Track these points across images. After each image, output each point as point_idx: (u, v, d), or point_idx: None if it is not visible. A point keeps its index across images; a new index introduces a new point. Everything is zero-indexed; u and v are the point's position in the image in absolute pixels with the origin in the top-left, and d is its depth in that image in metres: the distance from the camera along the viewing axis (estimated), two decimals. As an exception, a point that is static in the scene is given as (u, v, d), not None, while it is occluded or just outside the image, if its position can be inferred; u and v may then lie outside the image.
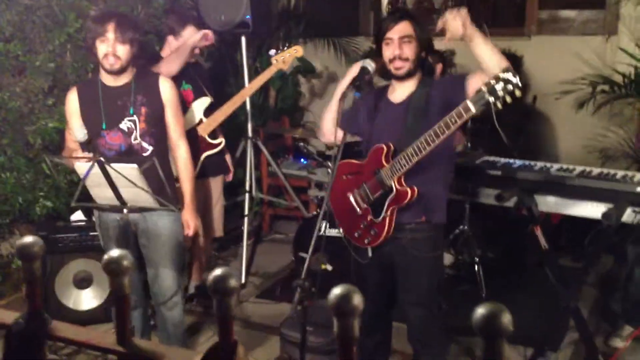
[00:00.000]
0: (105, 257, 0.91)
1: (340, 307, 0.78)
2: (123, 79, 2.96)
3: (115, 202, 2.70)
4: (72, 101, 2.98)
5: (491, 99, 2.27)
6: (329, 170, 4.25)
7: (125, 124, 2.94)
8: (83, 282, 3.94)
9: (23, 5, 3.92)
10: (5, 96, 3.93)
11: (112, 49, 2.86)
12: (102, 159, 2.53)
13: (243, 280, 4.42)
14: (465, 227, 4.27)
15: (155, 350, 0.90)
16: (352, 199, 2.84)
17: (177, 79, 3.52)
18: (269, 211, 5.61)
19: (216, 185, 4.13)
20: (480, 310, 0.76)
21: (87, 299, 3.95)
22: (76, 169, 2.64)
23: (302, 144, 4.80)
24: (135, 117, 2.94)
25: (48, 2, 3.99)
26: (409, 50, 2.70)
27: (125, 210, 2.73)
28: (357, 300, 0.80)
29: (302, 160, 5.12)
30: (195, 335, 3.85)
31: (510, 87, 2.24)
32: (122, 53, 2.88)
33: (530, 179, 3.37)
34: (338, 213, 2.98)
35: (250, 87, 4.17)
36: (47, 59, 4.03)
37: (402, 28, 2.71)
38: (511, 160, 3.65)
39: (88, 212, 4.22)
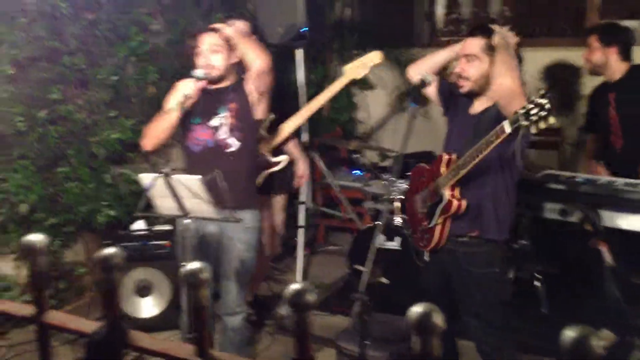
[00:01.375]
0: (185, 269, 0.93)
1: (421, 325, 0.77)
2: (224, 83, 3.12)
3: (178, 213, 2.75)
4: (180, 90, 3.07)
5: (525, 123, 2.27)
6: (384, 182, 4.23)
7: (215, 121, 3.07)
8: (144, 290, 4.02)
9: (87, 20, 4.05)
10: (70, 108, 4.05)
11: (206, 59, 3.02)
12: (166, 171, 2.58)
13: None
14: (525, 242, 4.17)
15: (234, 363, 0.90)
16: (416, 202, 2.94)
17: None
18: (323, 222, 5.61)
19: (279, 202, 4.15)
20: (569, 334, 0.74)
21: (147, 307, 4.03)
22: (141, 180, 2.70)
23: (356, 155, 4.79)
24: (225, 113, 3.06)
25: (110, 16, 4.12)
26: (472, 70, 2.69)
27: (188, 221, 2.77)
28: (438, 318, 0.79)
29: (356, 171, 5.11)
30: (252, 345, 3.87)
31: (543, 113, 2.23)
32: (216, 62, 3.03)
33: (594, 193, 3.28)
34: (408, 212, 3.09)
35: (319, 100, 3.99)
36: (110, 72, 4.15)
37: (470, 45, 2.71)
38: (574, 174, 3.57)
39: (148, 222, 4.32)
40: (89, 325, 1.02)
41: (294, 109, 4.12)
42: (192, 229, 2.94)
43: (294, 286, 0.83)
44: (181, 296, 3.15)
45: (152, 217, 4.53)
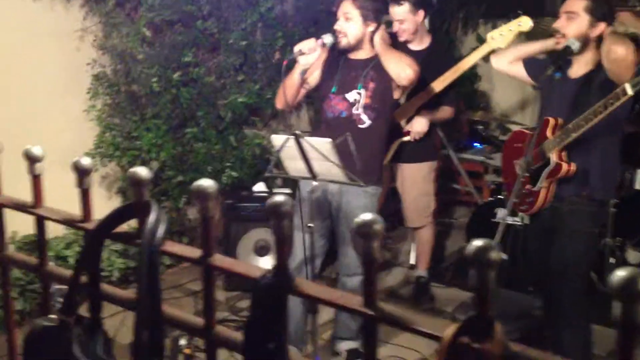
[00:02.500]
0: (359, 220, 0.93)
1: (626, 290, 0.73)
2: (362, 54, 3.12)
3: (306, 174, 2.80)
4: (321, 58, 3.11)
5: None
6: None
7: (352, 95, 3.10)
8: (262, 249, 4.15)
9: (221, -15, 4.16)
10: (201, 71, 4.20)
11: (339, 27, 3.03)
12: (298, 132, 2.63)
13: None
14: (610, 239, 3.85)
15: (404, 316, 0.90)
16: (516, 166, 2.96)
17: None
18: (440, 195, 5.52)
19: (415, 172, 3.97)
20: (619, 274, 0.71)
21: (265, 266, 4.14)
22: (273, 141, 2.77)
23: (481, 127, 4.67)
24: (362, 91, 3.07)
25: (243, -18, 4.21)
26: (572, 27, 2.66)
27: (314, 183, 2.82)
28: None
29: (477, 144, 4.98)
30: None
31: None
32: (350, 29, 3.03)
33: None
34: (505, 177, 3.14)
35: (457, 69, 3.75)
36: (240, 37, 4.25)
37: (571, 2, 2.70)
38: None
39: (268, 184, 4.43)
40: (255, 270, 1.06)
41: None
42: (307, 192, 2.99)
43: (477, 242, 0.81)
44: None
45: (272, 180, 4.66)
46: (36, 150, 1.37)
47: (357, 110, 3.08)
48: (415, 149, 3.85)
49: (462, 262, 4.15)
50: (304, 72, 3.08)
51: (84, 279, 1.25)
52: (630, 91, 2.40)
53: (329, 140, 2.63)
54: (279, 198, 1.02)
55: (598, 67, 2.69)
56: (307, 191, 2.96)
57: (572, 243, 2.77)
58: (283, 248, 1.02)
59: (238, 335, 1.11)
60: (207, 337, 1.15)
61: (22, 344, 1.24)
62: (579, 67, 2.76)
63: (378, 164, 3.23)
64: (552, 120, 2.74)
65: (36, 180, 1.38)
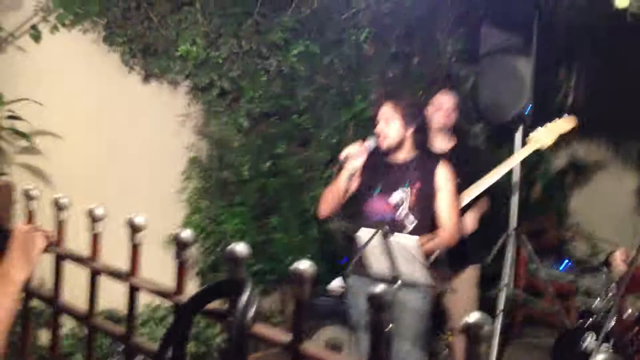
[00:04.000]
0: (465, 320, 0.88)
1: None
2: (402, 156, 3.11)
3: (389, 274, 2.74)
4: (361, 158, 3.17)
5: None
6: (604, 276, 3.89)
7: (397, 196, 3.06)
8: (333, 349, 4.02)
9: (319, 83, 4.31)
10: (291, 163, 4.30)
11: (380, 129, 3.09)
12: (387, 227, 2.60)
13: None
14: None
15: None
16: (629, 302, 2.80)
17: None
18: (521, 312, 5.27)
19: (466, 276, 3.89)
20: None
21: (337, 369, 4.02)
22: (359, 235, 2.74)
23: (568, 245, 4.49)
24: (408, 190, 3.03)
25: (341, 82, 4.35)
26: None
27: (398, 284, 2.75)
28: None
29: (566, 262, 4.78)
30: None
31: None
32: (390, 132, 3.06)
33: None
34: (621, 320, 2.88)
35: (502, 168, 3.69)
36: (331, 134, 4.35)
37: None
38: None
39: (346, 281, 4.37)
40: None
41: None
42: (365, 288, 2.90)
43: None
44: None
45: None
46: (138, 220, 1.40)
47: (403, 212, 3.04)
48: (466, 253, 3.73)
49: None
50: (351, 177, 3.10)
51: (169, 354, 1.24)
52: None
53: (416, 238, 2.58)
54: (380, 288, 0.99)
55: None
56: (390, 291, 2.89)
57: None
58: (379, 341, 0.98)
59: None
60: None
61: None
62: None
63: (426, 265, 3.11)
64: None
65: (135, 249, 1.41)
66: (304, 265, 1.08)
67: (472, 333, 0.83)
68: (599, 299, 3.80)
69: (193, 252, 4.17)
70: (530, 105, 4.21)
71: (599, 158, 5.65)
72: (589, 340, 3.34)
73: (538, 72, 4.31)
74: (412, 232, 3.00)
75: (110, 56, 3.96)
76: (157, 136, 4.22)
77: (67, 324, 3.58)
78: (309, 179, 4.39)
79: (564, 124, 3.55)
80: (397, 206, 3.03)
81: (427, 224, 3.09)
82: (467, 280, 3.90)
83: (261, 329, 1.16)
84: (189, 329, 1.24)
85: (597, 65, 5.48)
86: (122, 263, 1.41)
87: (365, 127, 4.48)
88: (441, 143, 3.88)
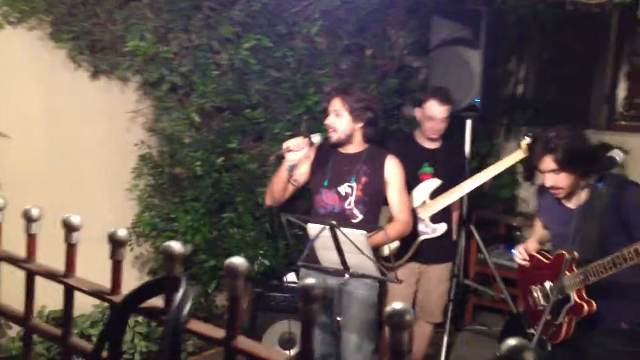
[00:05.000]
0: (389, 309, 0.90)
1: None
2: (352, 149, 3.13)
3: (339, 266, 2.76)
4: (309, 156, 3.25)
5: None
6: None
7: (343, 188, 3.11)
8: (288, 343, 4.04)
9: (271, 77, 4.30)
10: (244, 158, 4.28)
11: (330, 122, 3.11)
12: (334, 222, 2.62)
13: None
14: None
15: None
16: (534, 293, 2.90)
17: (419, 161, 3.72)
18: (472, 300, 5.39)
19: (439, 271, 4.05)
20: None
21: (290, 359, 4.04)
22: (308, 229, 2.76)
23: (518, 233, 4.60)
24: (354, 184, 3.06)
25: (293, 75, 4.35)
26: (560, 181, 2.62)
27: (347, 275, 2.78)
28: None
29: (514, 250, 4.88)
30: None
31: None
32: (339, 125, 3.08)
33: None
34: (523, 300, 3.07)
35: (488, 172, 3.90)
36: (285, 128, 4.35)
37: (546, 163, 2.63)
38: None
39: (299, 275, 4.39)
40: (280, 355, 1.02)
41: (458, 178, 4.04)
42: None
43: (511, 342, 0.78)
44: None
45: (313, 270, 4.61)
46: (74, 220, 1.38)
47: (349, 205, 3.09)
48: (442, 248, 3.96)
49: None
50: (291, 168, 3.16)
51: (105, 354, 1.23)
52: None
53: (364, 232, 2.61)
54: (310, 281, 1.01)
55: (591, 198, 2.61)
56: (338, 284, 2.92)
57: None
58: (309, 332, 1.00)
59: None
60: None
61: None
62: (577, 199, 2.72)
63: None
64: (568, 256, 2.58)
65: (71, 249, 1.39)
66: (238, 260, 1.09)
67: (394, 321, 0.85)
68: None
69: (127, 257, 4.11)
70: (480, 96, 4.29)
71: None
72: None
73: (488, 63, 4.40)
74: (359, 225, 3.05)
75: (58, 53, 3.88)
76: (107, 133, 4.16)
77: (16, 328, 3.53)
78: (263, 173, 4.38)
79: None
80: (344, 199, 3.07)
81: (373, 217, 3.14)
82: (442, 275, 4.07)
83: (196, 325, 1.16)
84: (124, 328, 1.24)
85: (546, 55, 5.60)
86: (78, 264, 1.40)
87: (319, 120, 4.50)
88: (427, 143, 3.95)
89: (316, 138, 3.14)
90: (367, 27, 4.72)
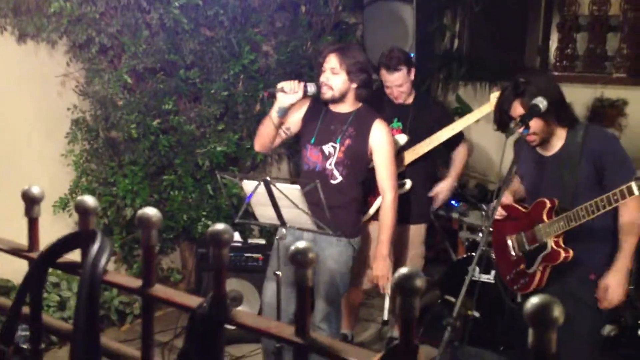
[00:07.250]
0: (293, 248, 0.93)
1: (538, 317, 0.73)
2: (344, 108, 3.14)
3: (276, 222, 2.79)
4: (304, 106, 3.20)
5: None
6: (483, 213, 4.12)
7: (328, 148, 3.11)
8: (234, 301, 4.08)
9: (205, 36, 4.24)
10: (182, 120, 4.23)
11: (325, 79, 3.06)
12: (268, 178, 2.64)
13: (386, 318, 4.36)
14: (631, 287, 3.94)
15: (333, 346, 0.89)
16: (509, 242, 2.86)
17: (390, 117, 3.64)
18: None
19: (415, 233, 3.94)
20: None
21: (236, 318, 4.08)
22: (243, 186, 2.77)
23: (455, 184, 4.70)
24: (337, 145, 3.07)
25: (227, 34, 4.29)
26: (532, 126, 2.55)
27: (284, 230, 2.81)
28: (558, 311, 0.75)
29: (452, 202, 5.01)
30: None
31: None
32: (335, 83, 3.06)
33: None
34: (496, 252, 3.01)
35: (464, 120, 3.81)
36: (222, 88, 4.30)
37: (515, 108, 2.60)
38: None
39: (244, 235, 4.41)
40: (194, 300, 1.05)
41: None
42: (287, 239, 2.95)
43: (402, 271, 0.81)
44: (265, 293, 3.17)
45: (248, 230, 4.64)
46: (35, 190, 1.32)
47: (330, 165, 3.09)
48: (415, 208, 3.80)
49: (433, 320, 4.11)
50: (282, 112, 3.09)
51: (25, 308, 1.23)
52: (637, 192, 2.31)
53: (298, 187, 2.64)
54: (218, 227, 1.02)
55: (568, 141, 2.63)
56: (276, 238, 2.94)
57: (582, 319, 2.61)
58: (219, 276, 1.02)
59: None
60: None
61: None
62: (553, 144, 2.69)
63: (351, 218, 3.17)
64: (548, 203, 2.62)
65: (32, 223, 1.35)
66: (151, 211, 1.10)
67: (404, 286, 0.84)
68: (480, 234, 4.02)
69: (67, 222, 4.06)
70: (414, 50, 4.33)
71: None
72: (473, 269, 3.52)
73: (422, 17, 4.44)
74: (339, 185, 3.07)
75: (-21, 17, 3.73)
76: (38, 99, 4.05)
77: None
78: (202, 134, 4.35)
79: None
80: (326, 158, 3.07)
81: (354, 179, 3.13)
82: (417, 237, 3.95)
83: (113, 276, 1.17)
84: (44, 283, 1.24)
85: (479, 8, 5.64)
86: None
87: (255, 79, 4.47)
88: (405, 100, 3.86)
89: (311, 88, 3.06)
90: (300, -17, 4.68)
